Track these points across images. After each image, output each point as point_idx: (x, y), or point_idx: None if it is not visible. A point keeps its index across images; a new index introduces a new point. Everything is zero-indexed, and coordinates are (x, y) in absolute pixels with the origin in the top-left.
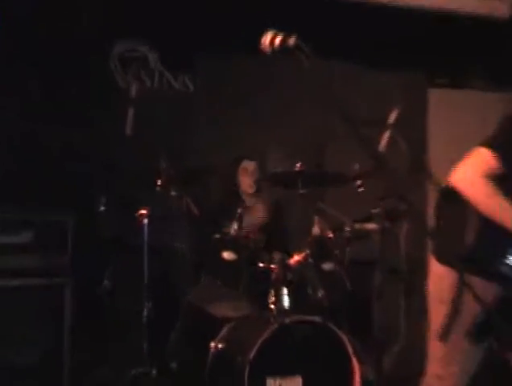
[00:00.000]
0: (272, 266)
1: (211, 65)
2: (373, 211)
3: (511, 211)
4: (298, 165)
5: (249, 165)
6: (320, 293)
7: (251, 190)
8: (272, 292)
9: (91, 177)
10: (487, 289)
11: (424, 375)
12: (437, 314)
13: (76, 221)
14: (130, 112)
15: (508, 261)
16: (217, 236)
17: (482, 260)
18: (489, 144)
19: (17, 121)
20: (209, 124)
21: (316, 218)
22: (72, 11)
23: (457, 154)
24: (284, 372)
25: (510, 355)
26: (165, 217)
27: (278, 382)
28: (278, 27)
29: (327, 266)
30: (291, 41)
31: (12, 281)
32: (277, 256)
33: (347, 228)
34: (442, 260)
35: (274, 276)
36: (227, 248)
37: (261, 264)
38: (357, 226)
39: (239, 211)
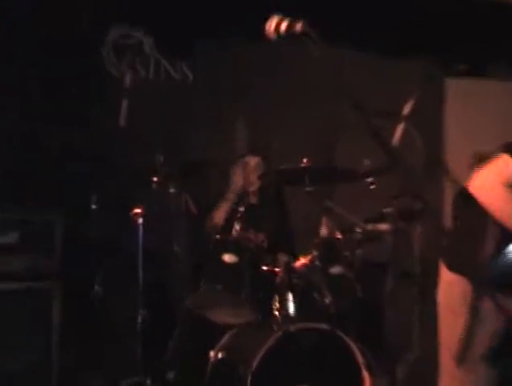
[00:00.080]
0: (276, 270)
1: (211, 52)
2: (386, 210)
3: None
4: (304, 160)
5: (251, 160)
6: (328, 299)
7: (253, 188)
8: (276, 297)
9: (81, 173)
10: (507, 305)
11: None
12: (447, 324)
13: (64, 220)
14: (124, 103)
15: None
16: (218, 236)
17: (502, 273)
18: (511, 151)
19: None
20: (209, 115)
21: (324, 218)
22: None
23: (476, 149)
24: (289, 384)
25: None
26: (162, 216)
27: None
28: (285, 12)
29: (335, 270)
30: (298, 27)
31: None
32: (282, 258)
33: (357, 229)
34: (454, 268)
35: (278, 280)
36: (228, 250)
37: (264, 268)
38: (368, 226)
39: (241, 210)
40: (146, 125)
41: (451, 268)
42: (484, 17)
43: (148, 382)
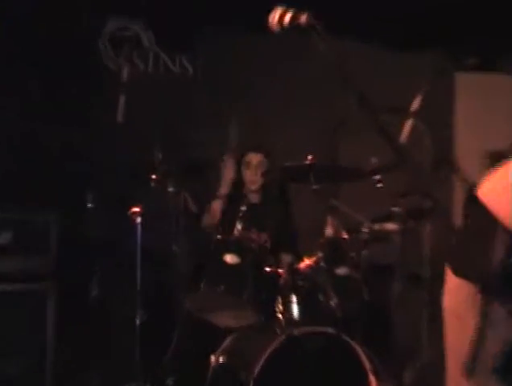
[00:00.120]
0: (280, 271)
1: (212, 45)
2: (394, 209)
3: None
4: (309, 157)
5: (253, 157)
6: (333, 302)
7: (255, 186)
8: (280, 300)
9: (77, 171)
10: None
11: None
12: (453, 331)
13: (60, 220)
14: (122, 98)
15: None
16: (219, 236)
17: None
18: None
19: None
20: (210, 111)
21: (330, 217)
22: None
23: (487, 146)
24: None
25: None
26: (160, 215)
27: None
28: (289, 3)
29: (341, 271)
30: (303, 18)
31: None
32: (285, 259)
33: (364, 229)
34: (460, 272)
35: (281, 281)
36: (229, 251)
37: (267, 269)
38: (375, 226)
39: (243, 209)
40: (144, 121)
41: (457, 272)
42: (495, 8)
43: None
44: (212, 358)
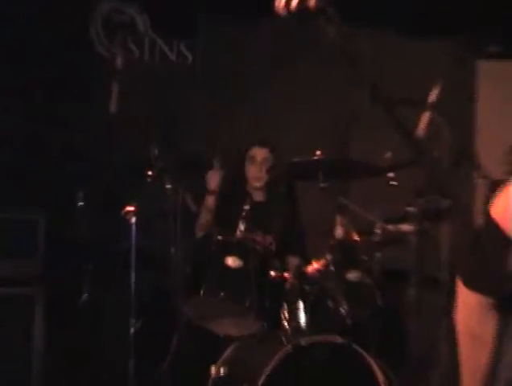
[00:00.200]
0: (286, 275)
1: (214, 31)
2: (409, 209)
3: None
4: (318, 153)
5: (258, 152)
6: (344, 309)
7: (259, 184)
8: (285, 306)
9: (66, 166)
10: None
11: None
12: (467, 350)
13: (48, 219)
14: (115, 87)
15: None
16: (220, 238)
17: None
18: None
19: None
20: (211, 102)
21: (339, 217)
22: None
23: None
24: None
25: None
26: (157, 215)
27: None
28: None
29: (352, 276)
30: (312, 1)
31: None
32: (292, 262)
33: (377, 230)
34: (471, 285)
35: (287, 287)
36: (231, 253)
37: (272, 273)
38: (389, 227)
39: (246, 208)
40: (139, 113)
41: (467, 284)
42: None
43: None
44: (213, 369)
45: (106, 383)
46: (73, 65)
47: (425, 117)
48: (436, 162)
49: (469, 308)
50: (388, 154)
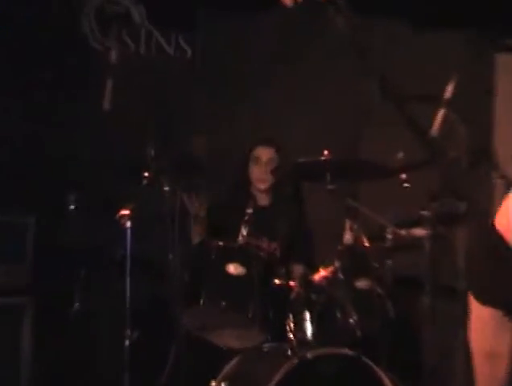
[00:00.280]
0: (291, 283)
1: (214, 23)
2: (423, 212)
3: None
4: (325, 153)
5: (263, 152)
6: (353, 319)
7: (264, 186)
8: (291, 317)
9: (56, 167)
10: None
11: None
12: (481, 369)
13: (38, 223)
14: (109, 83)
15: None
16: (221, 243)
17: None
18: None
19: None
20: (212, 99)
21: (348, 221)
22: None
23: None
24: None
25: None
26: (154, 219)
27: None
28: None
29: (362, 284)
30: None
31: None
32: (297, 270)
33: (388, 235)
34: (484, 298)
35: (293, 296)
36: (233, 260)
37: (277, 281)
38: (402, 232)
39: (249, 211)
40: (135, 110)
41: (479, 298)
42: None
43: None
44: (213, 384)
45: None
46: (65, 60)
47: (440, 114)
48: (452, 163)
49: (483, 323)
50: (400, 154)
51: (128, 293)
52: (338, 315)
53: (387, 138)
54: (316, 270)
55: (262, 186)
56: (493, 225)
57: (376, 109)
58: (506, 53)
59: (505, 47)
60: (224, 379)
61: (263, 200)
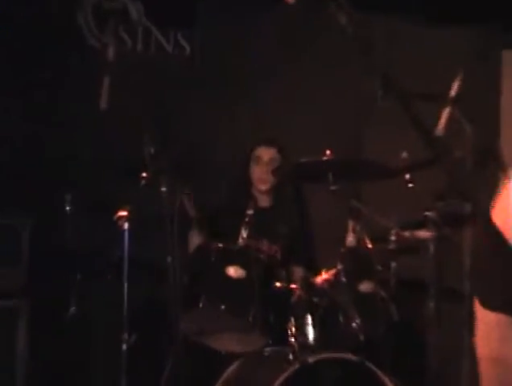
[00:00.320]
0: (292, 286)
1: (214, 19)
2: (428, 214)
3: None
4: (327, 153)
5: (264, 152)
6: (356, 323)
7: (265, 187)
8: (292, 320)
9: (52, 167)
10: None
11: None
12: (488, 378)
13: (33, 225)
14: (106, 81)
15: None
16: (221, 245)
17: None
18: None
19: None
20: (212, 98)
21: (351, 222)
22: None
23: None
24: None
25: None
26: (152, 221)
27: None
28: None
29: (365, 287)
30: None
31: None
32: (299, 273)
33: (392, 237)
34: (489, 304)
35: (294, 299)
36: (233, 262)
37: (278, 284)
38: (406, 234)
39: (249, 213)
40: (132, 109)
41: (485, 304)
42: None
43: None
44: None
45: None
46: (60, 58)
47: (445, 113)
48: (458, 162)
49: (489, 328)
50: (404, 154)
51: (125, 297)
52: (341, 319)
53: (391, 138)
54: (318, 273)
55: (263, 187)
56: (497, 226)
57: (379, 108)
58: None
59: (511, 44)
60: (224, 385)
61: (264, 202)
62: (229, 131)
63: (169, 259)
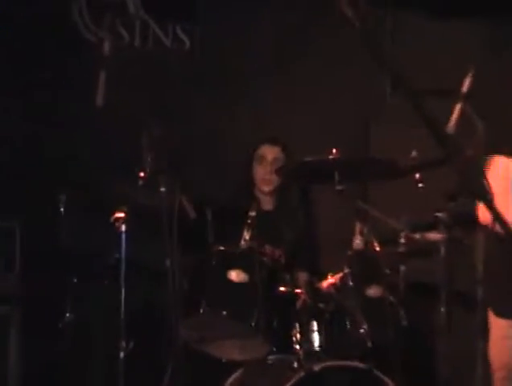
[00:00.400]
0: (297, 291)
1: (215, 13)
2: (438, 215)
3: None
4: (334, 151)
5: (268, 151)
6: (364, 329)
7: (268, 188)
8: (297, 327)
9: (46, 167)
10: None
11: None
12: (501, 383)
13: (25, 227)
14: (102, 76)
15: None
16: (222, 248)
17: None
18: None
19: None
20: (212, 94)
21: (358, 224)
22: None
23: None
24: None
25: None
26: (150, 223)
27: None
28: None
29: (373, 291)
30: None
31: None
32: (302, 277)
33: (401, 239)
34: (503, 312)
35: (299, 304)
36: (235, 266)
37: (282, 289)
38: (416, 236)
39: (252, 214)
40: (129, 106)
41: (497, 312)
42: None
43: None
44: None
45: None
46: (55, 52)
47: (456, 110)
48: (470, 161)
49: (503, 338)
50: (414, 153)
51: (123, 302)
52: (347, 325)
53: (400, 136)
54: (324, 277)
55: (266, 189)
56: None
57: (387, 105)
58: None
59: None
60: None
61: (267, 204)
62: (229, 127)
63: (168, 262)
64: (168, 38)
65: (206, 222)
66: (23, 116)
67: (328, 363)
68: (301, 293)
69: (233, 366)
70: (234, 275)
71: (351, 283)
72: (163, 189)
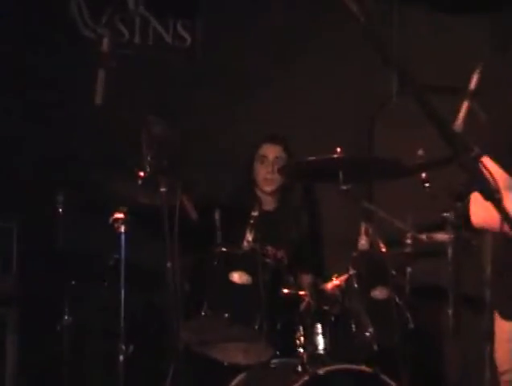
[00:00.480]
0: (301, 293)
1: (217, 9)
2: (445, 215)
3: None
4: (338, 150)
5: (270, 150)
6: (369, 332)
7: (270, 188)
8: (301, 329)
9: (43, 166)
10: None
11: None
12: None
13: (23, 228)
14: (101, 74)
15: None
16: (224, 249)
17: None
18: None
19: None
20: (214, 92)
21: (364, 225)
22: None
23: None
24: None
25: None
26: (150, 223)
27: None
28: None
29: (378, 293)
30: None
31: None
32: (305, 280)
33: (407, 240)
34: (507, 314)
35: (303, 306)
36: (237, 268)
37: (285, 291)
38: (422, 237)
39: (254, 215)
40: (129, 105)
41: (503, 314)
42: None
43: None
44: None
45: None
46: (53, 50)
47: (464, 107)
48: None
49: (508, 342)
50: (420, 152)
51: (122, 304)
52: (353, 328)
53: (405, 134)
54: (329, 278)
55: (268, 189)
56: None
57: (393, 103)
58: None
59: None
60: None
61: (269, 204)
62: (232, 128)
63: (169, 264)
64: (169, 34)
65: (212, 223)
66: (22, 115)
67: (333, 367)
68: (305, 295)
69: (235, 370)
70: (237, 277)
71: (356, 285)
72: (163, 189)
